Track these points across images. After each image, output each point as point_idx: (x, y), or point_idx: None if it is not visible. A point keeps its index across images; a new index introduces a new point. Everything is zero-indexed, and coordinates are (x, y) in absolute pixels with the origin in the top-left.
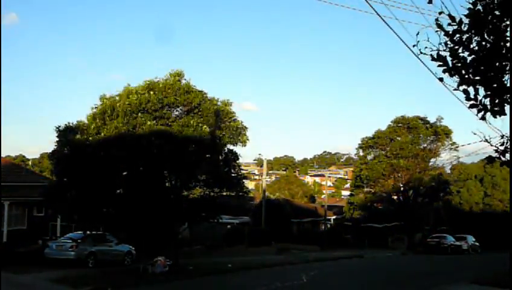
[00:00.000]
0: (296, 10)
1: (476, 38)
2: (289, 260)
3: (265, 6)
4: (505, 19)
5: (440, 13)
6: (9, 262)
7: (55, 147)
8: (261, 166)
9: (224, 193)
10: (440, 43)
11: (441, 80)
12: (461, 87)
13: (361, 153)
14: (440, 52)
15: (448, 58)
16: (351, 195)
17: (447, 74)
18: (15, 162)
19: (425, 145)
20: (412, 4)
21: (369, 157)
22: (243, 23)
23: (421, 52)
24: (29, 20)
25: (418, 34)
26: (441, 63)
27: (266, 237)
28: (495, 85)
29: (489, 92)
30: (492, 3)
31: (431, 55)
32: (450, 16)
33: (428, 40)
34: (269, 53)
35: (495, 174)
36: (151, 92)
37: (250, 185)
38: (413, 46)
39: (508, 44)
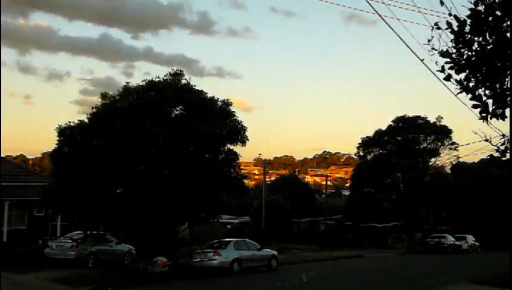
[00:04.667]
0: (295, 10)
1: (477, 38)
2: (289, 260)
3: (262, 5)
4: (506, 20)
5: (450, 15)
6: (9, 262)
7: (56, 146)
8: (261, 166)
9: (224, 193)
10: (451, 40)
11: (446, 79)
12: (469, 84)
13: (361, 153)
14: (449, 50)
15: (455, 57)
16: (350, 195)
17: (453, 70)
18: (15, 162)
19: (425, 144)
20: (413, 4)
21: (369, 157)
22: (246, 22)
23: (433, 49)
24: None
25: (432, 29)
26: (448, 60)
27: (266, 236)
28: (496, 86)
29: (491, 93)
30: (493, 3)
31: (441, 50)
32: (455, 16)
33: (432, 38)
34: (269, 52)
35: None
36: (151, 92)
37: (250, 185)
38: (425, 43)
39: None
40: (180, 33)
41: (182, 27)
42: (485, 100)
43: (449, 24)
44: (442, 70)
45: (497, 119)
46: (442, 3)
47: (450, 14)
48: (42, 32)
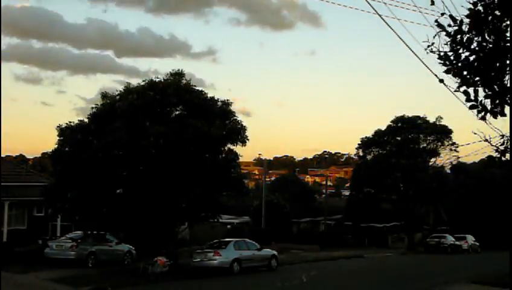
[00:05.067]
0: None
1: (476, 38)
2: (289, 260)
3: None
4: (505, 19)
5: (442, 14)
6: (9, 262)
7: (56, 146)
8: (261, 166)
9: (224, 193)
10: (445, 44)
11: (441, 81)
12: (461, 88)
13: (360, 153)
14: (447, 53)
15: (452, 58)
16: (350, 195)
17: (450, 74)
18: (15, 162)
19: (425, 144)
20: (413, 4)
21: (368, 157)
22: (247, 20)
23: (432, 52)
24: None
25: (434, 36)
26: (443, 62)
27: (266, 237)
28: (495, 86)
29: (489, 93)
30: (492, 3)
31: (438, 54)
32: (451, 16)
33: (428, 41)
34: (270, 52)
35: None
36: (151, 92)
37: (250, 185)
38: (425, 49)
39: (508, 44)
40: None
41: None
42: (482, 100)
43: (441, 26)
44: (442, 81)
45: (495, 117)
46: (432, 2)
47: (442, 14)
48: (47, 53)
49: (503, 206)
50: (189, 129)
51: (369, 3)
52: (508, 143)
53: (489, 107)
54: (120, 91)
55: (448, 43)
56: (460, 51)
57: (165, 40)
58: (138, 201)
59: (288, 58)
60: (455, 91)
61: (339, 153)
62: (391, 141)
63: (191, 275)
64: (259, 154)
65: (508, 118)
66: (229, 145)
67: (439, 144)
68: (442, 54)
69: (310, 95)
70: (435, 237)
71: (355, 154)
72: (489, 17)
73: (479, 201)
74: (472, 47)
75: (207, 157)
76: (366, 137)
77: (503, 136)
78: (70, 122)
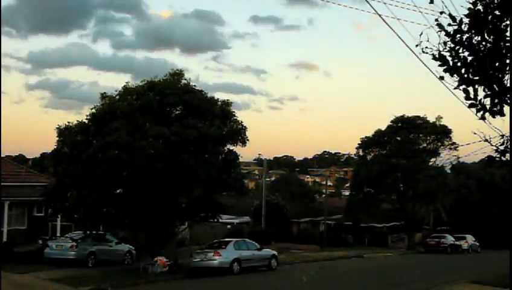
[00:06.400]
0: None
1: (476, 38)
2: (289, 260)
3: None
4: (505, 19)
5: (441, 13)
6: (9, 262)
7: (56, 147)
8: (261, 166)
9: (224, 193)
10: (440, 43)
11: (441, 78)
12: (461, 87)
13: (360, 153)
14: (441, 52)
15: (449, 58)
16: (350, 195)
17: (447, 73)
18: (15, 162)
19: (425, 144)
20: (412, 3)
21: (368, 157)
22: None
23: (423, 52)
24: None
25: (421, 34)
26: (441, 63)
27: (266, 237)
28: (495, 85)
29: (489, 92)
30: (492, 3)
31: (432, 54)
32: (450, 15)
33: (428, 41)
34: (270, 51)
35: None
36: (151, 93)
37: (250, 185)
38: (416, 46)
39: (508, 44)
40: None
41: None
42: (481, 99)
43: (440, 26)
44: (442, 78)
45: (494, 116)
46: (431, 1)
47: (441, 13)
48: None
49: (503, 206)
50: (188, 130)
51: (369, 3)
52: (508, 143)
53: (488, 107)
54: (119, 91)
55: (447, 42)
56: (460, 50)
57: None
58: (138, 201)
59: (288, 58)
60: (454, 89)
61: (339, 153)
62: (391, 141)
63: (191, 275)
64: (259, 154)
65: (507, 117)
66: (229, 146)
67: (439, 144)
68: (436, 54)
69: (310, 95)
70: (435, 237)
71: (355, 154)
72: (489, 17)
73: (479, 201)
74: (471, 46)
75: (207, 157)
76: (366, 137)
77: (503, 136)
78: (69, 122)
